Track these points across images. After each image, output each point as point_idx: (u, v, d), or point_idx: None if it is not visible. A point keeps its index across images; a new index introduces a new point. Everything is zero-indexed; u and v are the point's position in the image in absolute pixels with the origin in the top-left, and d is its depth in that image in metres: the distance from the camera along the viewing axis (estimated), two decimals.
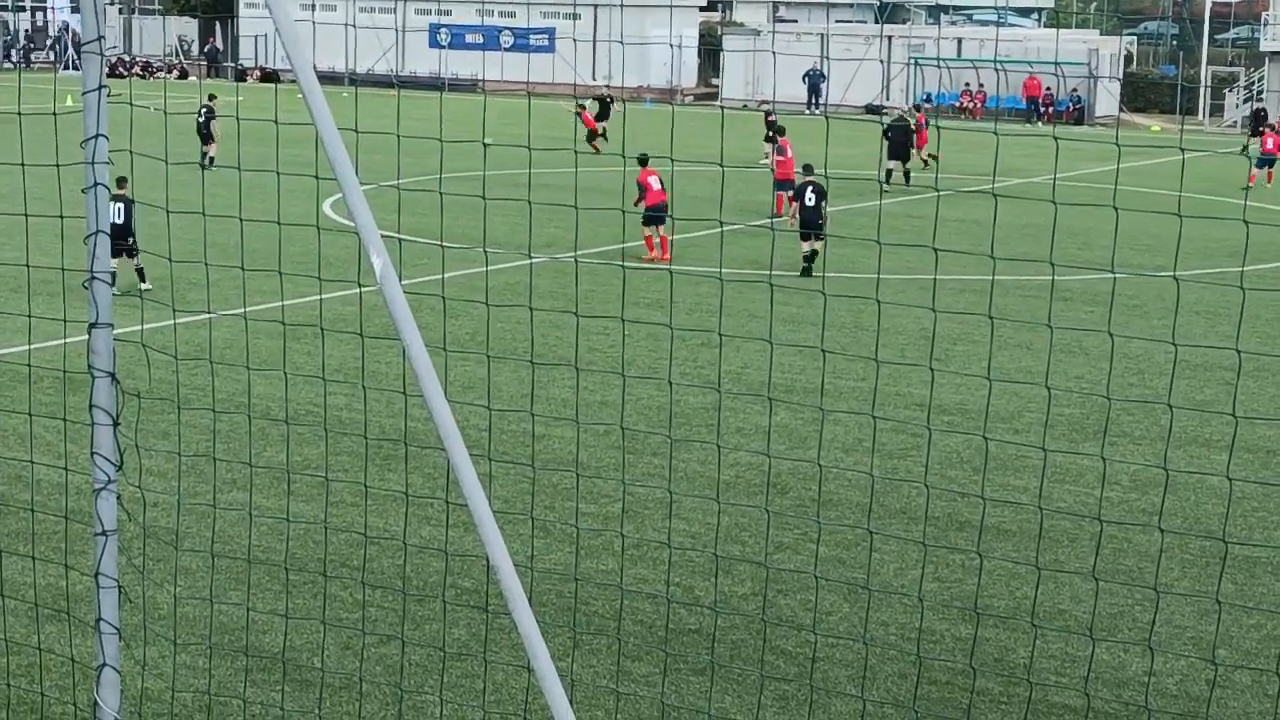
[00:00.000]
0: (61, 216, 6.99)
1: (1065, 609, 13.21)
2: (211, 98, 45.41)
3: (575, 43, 74.94)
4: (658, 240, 31.14)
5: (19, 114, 6.75)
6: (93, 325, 6.04)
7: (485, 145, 7.77)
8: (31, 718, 10.42)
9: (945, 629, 12.72)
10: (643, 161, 30.93)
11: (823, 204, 29.85)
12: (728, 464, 17.07)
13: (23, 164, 7.01)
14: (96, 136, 5.95)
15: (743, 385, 20.37)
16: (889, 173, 43.95)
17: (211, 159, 42.55)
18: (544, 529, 14.58)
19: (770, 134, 48.51)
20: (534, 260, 24.20)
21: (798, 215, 30.25)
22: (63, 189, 8.48)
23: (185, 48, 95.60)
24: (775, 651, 12.18)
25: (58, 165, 6.70)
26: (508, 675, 11.53)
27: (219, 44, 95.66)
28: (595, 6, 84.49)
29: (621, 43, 73.01)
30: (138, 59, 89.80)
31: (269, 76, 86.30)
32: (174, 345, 12.50)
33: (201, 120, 44.00)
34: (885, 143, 43.99)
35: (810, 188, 29.92)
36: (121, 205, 25.53)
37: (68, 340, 11.96)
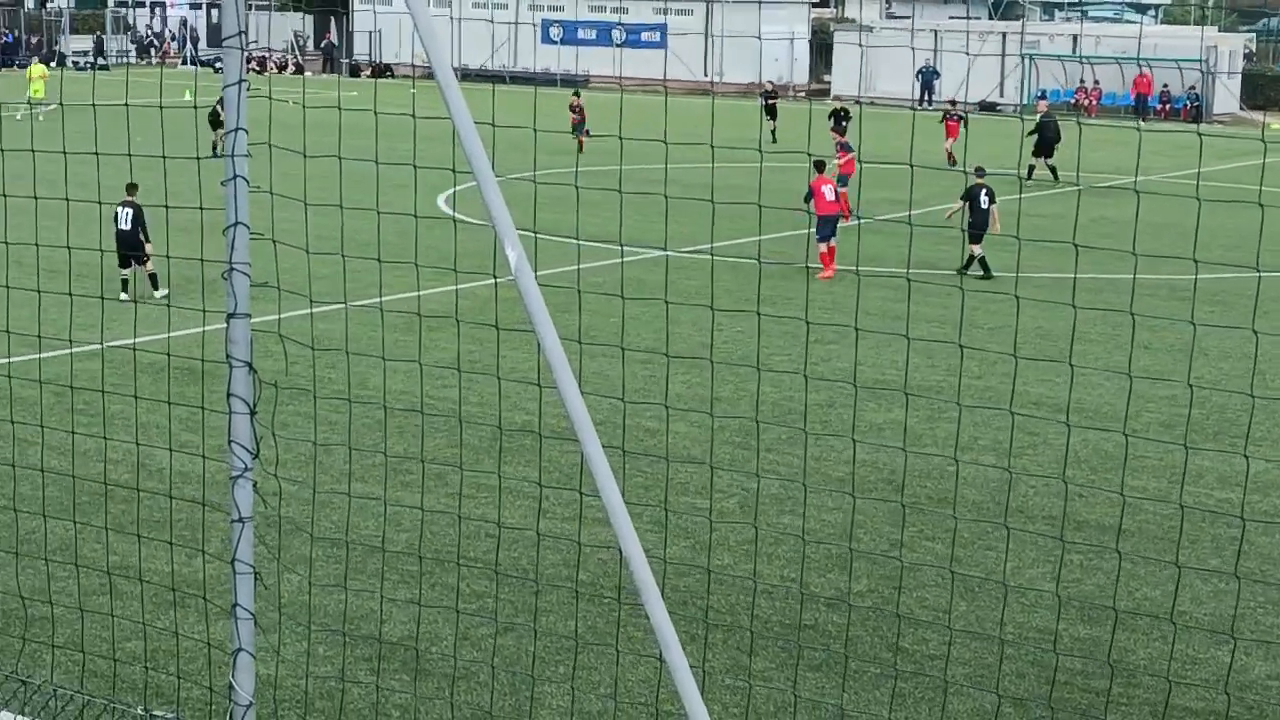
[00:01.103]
0: (201, 209, 7.12)
1: (1184, 610, 13.08)
2: (219, 102, 45.39)
3: (712, 38, 74.85)
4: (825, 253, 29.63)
5: (160, 107, 6.87)
6: (230, 315, 6.14)
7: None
8: (158, 701, 10.59)
9: (1063, 629, 12.63)
10: (820, 167, 29.45)
11: (993, 206, 29.64)
12: (843, 460, 17.04)
13: (163, 156, 7.11)
14: (236, 130, 6.05)
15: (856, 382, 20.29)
16: (1031, 169, 43.60)
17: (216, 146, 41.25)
18: (661, 523, 14.62)
19: (836, 130, 48.00)
20: (668, 254, 24.32)
21: (965, 215, 29.65)
22: (191, 183, 8.62)
23: (300, 43, 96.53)
24: (892, 648, 12.15)
25: (197, 158, 6.83)
26: (624, 667, 11.58)
27: (334, 39, 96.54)
28: (707, 2, 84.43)
29: (760, 38, 72.82)
30: (254, 54, 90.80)
31: (379, 71, 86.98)
32: (309, 336, 12.66)
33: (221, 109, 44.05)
34: (1033, 139, 43.67)
35: (984, 190, 29.66)
36: (130, 212, 25.14)
37: (206, 329, 12.16)
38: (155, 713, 6.50)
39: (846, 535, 14.59)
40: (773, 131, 53.85)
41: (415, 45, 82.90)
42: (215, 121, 43.27)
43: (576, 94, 48.62)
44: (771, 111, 55.69)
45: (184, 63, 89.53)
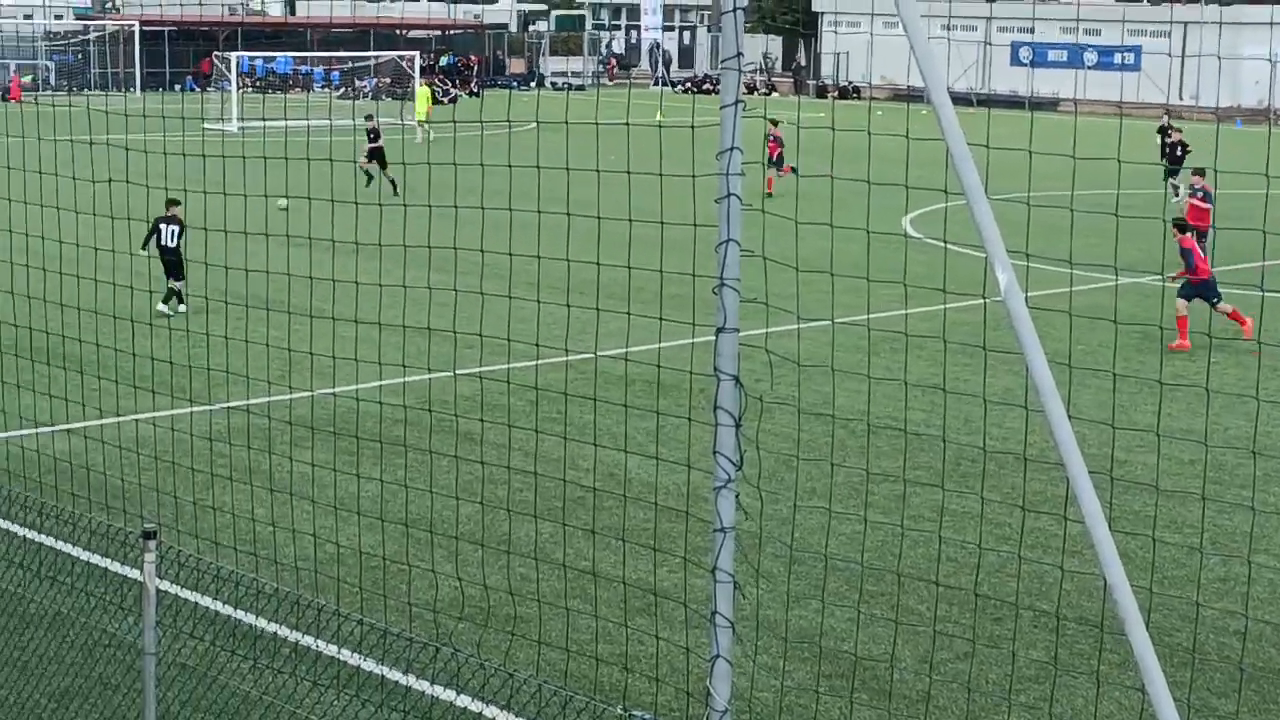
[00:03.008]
0: (695, 225, 7.30)
1: None
2: (368, 118, 41.38)
3: (1177, 57, 72.72)
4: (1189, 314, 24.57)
5: (659, 126, 7.11)
6: (720, 330, 6.29)
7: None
8: (632, 703, 10.90)
9: None
10: (1181, 228, 24.87)
11: None
12: None
13: (660, 174, 7.35)
14: (732, 149, 6.20)
15: None
16: None
17: (393, 182, 38.62)
18: (1126, 556, 14.25)
19: (1166, 159, 42.57)
20: (1163, 280, 23.84)
21: None
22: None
23: (769, 65, 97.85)
24: None
25: (693, 177, 7.02)
26: (1088, 700, 11.36)
27: (802, 61, 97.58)
28: (1185, 24, 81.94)
29: (1232, 56, 70.44)
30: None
31: (844, 93, 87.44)
32: (779, 352, 12.85)
33: (378, 143, 40.47)
34: None
35: None
36: (176, 229, 24.81)
37: (695, 341, 12.56)
38: (635, 713, 6.73)
39: None
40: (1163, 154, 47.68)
41: (882, 67, 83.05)
42: (377, 153, 40.25)
43: (775, 122, 41.46)
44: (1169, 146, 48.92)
45: (655, 84, 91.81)
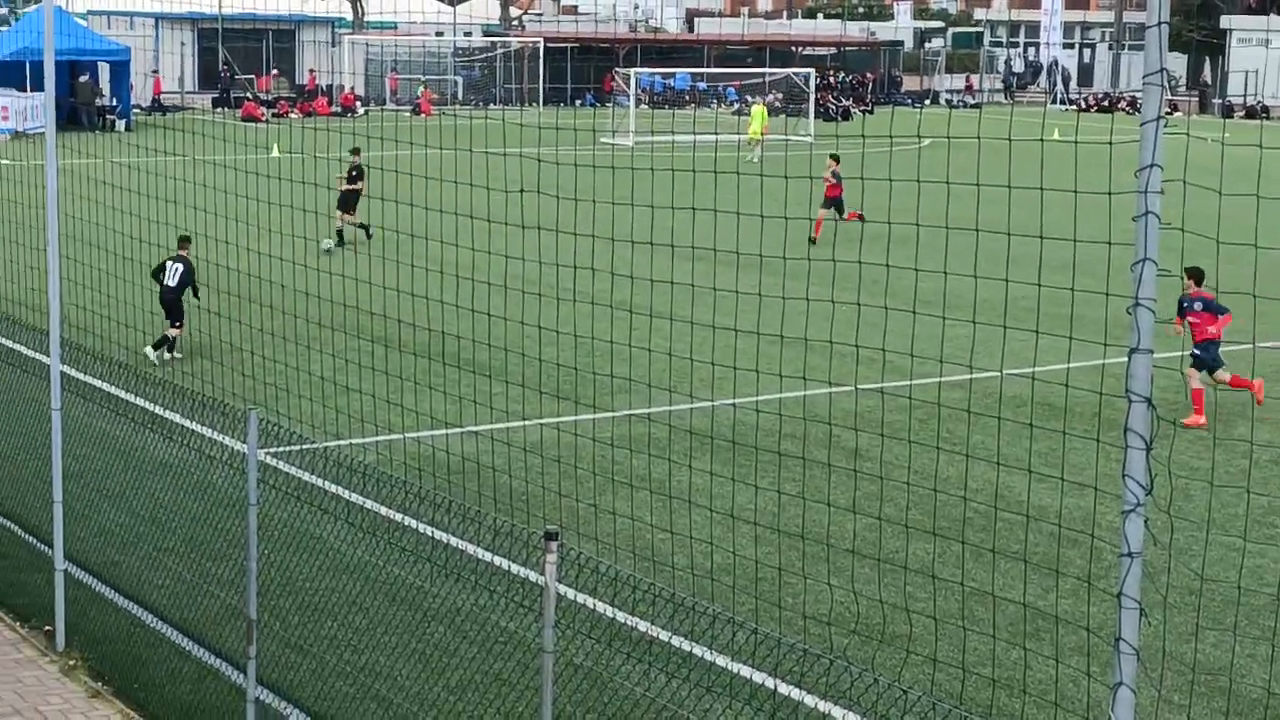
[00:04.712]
0: (1110, 243, 7.17)
1: None
2: (355, 151, 32.21)
3: None
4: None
5: (1074, 143, 7.04)
6: (1133, 350, 6.17)
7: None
8: None
9: None
10: (1197, 277, 18.26)
11: None
12: None
13: (1075, 190, 7.24)
14: (1151, 166, 6.08)
15: None
16: None
17: (365, 228, 32.50)
18: None
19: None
20: None
21: None
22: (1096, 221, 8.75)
23: (1173, 84, 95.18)
24: None
25: (1109, 194, 6.89)
26: None
27: (1208, 79, 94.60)
28: None
29: None
30: (1124, 94, 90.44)
31: (1251, 113, 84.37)
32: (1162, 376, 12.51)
33: (357, 185, 32.84)
34: None
35: None
36: (180, 268, 22.41)
37: (1106, 362, 12.34)
38: None
39: None
40: None
41: None
42: (352, 196, 33.02)
43: (835, 157, 34.71)
44: None
45: (1053, 102, 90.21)
